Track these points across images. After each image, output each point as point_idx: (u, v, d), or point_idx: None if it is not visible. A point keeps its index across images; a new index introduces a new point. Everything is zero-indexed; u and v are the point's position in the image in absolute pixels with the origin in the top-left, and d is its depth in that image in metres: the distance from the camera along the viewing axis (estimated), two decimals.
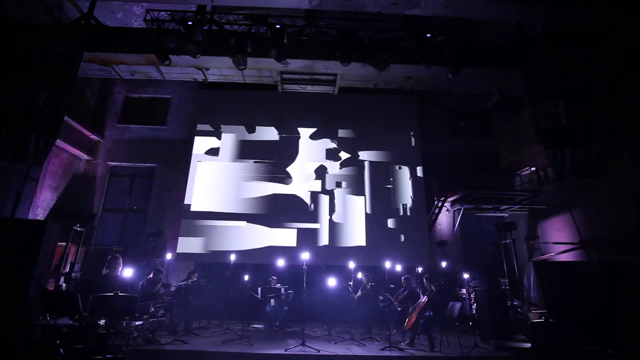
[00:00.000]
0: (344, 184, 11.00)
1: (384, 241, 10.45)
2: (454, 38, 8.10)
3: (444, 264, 9.84)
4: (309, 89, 10.83)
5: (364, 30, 8.06)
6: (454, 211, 10.74)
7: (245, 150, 11.24)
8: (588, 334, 5.54)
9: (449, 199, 10.47)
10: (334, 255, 10.18)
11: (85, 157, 11.00)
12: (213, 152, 11.18)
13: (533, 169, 9.94)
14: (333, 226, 10.56)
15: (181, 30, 7.30)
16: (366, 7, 7.03)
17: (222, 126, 11.44)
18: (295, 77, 10.17)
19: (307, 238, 10.35)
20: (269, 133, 11.45)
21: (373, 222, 10.68)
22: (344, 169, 11.18)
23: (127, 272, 5.97)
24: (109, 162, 11.38)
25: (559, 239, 8.98)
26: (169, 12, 8.43)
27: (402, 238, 10.53)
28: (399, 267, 9.20)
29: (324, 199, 10.80)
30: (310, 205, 10.57)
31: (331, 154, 11.29)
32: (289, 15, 8.45)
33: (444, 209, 10.72)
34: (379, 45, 7.65)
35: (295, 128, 11.50)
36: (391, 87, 10.10)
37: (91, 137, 11.09)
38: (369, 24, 8.15)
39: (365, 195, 10.93)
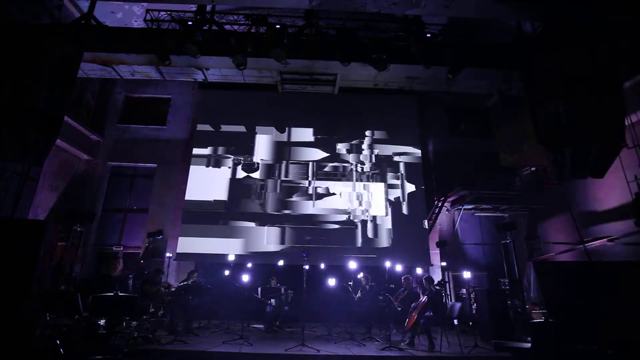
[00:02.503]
0: (342, 183, 11.00)
1: (384, 241, 10.46)
2: (453, 38, 8.10)
3: (443, 264, 9.84)
4: (309, 89, 10.83)
5: (364, 30, 8.05)
6: (454, 211, 10.74)
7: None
8: (588, 334, 5.53)
9: (449, 199, 10.48)
10: (336, 256, 10.20)
11: (85, 157, 11.00)
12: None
13: (533, 169, 9.94)
14: (337, 228, 10.56)
15: (181, 30, 7.30)
16: (366, 7, 7.02)
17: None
18: (295, 77, 10.15)
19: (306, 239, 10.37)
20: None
21: (373, 222, 10.68)
22: (343, 168, 11.18)
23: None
24: (109, 162, 11.38)
25: (559, 239, 8.98)
26: (169, 12, 8.43)
27: (402, 238, 10.53)
28: (399, 267, 9.21)
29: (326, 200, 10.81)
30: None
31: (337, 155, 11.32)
32: (289, 15, 8.46)
33: (444, 209, 10.72)
34: (379, 45, 7.65)
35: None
36: (391, 87, 10.08)
37: (91, 137, 11.09)
38: (369, 24, 8.14)
39: (363, 196, 10.93)
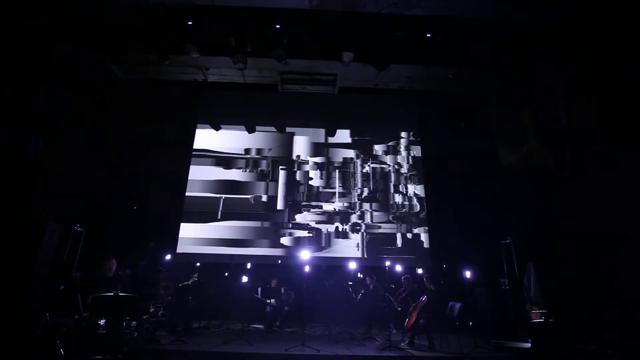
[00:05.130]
0: (345, 182, 11.00)
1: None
2: (454, 38, 8.10)
3: (443, 265, 9.84)
4: (309, 89, 10.84)
5: (364, 30, 8.06)
6: None
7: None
8: (588, 334, 5.53)
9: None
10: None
11: None
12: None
13: None
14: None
15: (181, 30, 7.31)
16: (366, 7, 7.03)
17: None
18: (295, 77, 10.17)
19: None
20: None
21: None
22: (343, 168, 11.19)
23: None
24: None
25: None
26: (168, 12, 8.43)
27: (402, 238, 10.54)
28: (399, 267, 9.21)
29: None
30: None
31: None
32: (289, 15, 8.45)
33: None
34: (379, 45, 7.66)
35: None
36: (391, 87, 10.10)
37: None
38: (369, 24, 8.15)
39: (364, 196, 10.93)
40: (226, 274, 9.02)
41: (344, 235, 10.41)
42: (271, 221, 10.46)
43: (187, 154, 11.16)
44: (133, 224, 9.69)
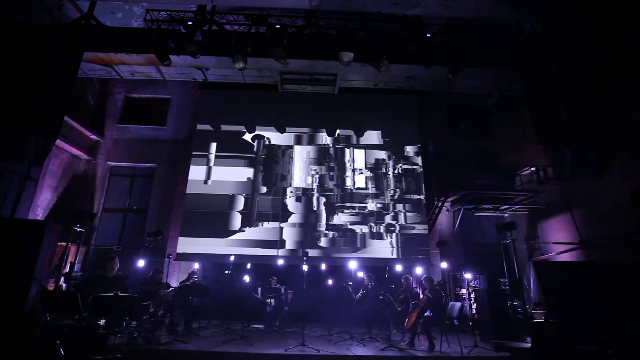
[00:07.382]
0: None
1: (384, 241, 10.47)
2: (453, 38, 8.11)
3: (444, 264, 9.84)
4: (309, 89, 10.84)
5: (364, 30, 8.06)
6: (454, 211, 10.73)
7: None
8: (588, 334, 5.53)
9: (449, 199, 10.47)
10: (337, 259, 10.23)
11: (85, 157, 11.00)
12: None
13: (533, 169, 9.94)
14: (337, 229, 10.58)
15: (181, 30, 7.31)
16: (366, 7, 7.03)
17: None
18: (295, 77, 10.17)
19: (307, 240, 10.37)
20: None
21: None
22: (343, 169, 11.18)
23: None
24: (109, 162, 11.38)
25: (559, 239, 8.98)
26: (169, 12, 8.44)
27: (403, 238, 10.54)
28: (399, 267, 9.22)
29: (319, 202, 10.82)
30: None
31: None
32: (289, 15, 8.46)
33: (444, 209, 10.72)
34: (379, 45, 7.66)
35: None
36: (391, 87, 10.10)
37: (91, 137, 11.09)
38: (369, 24, 8.15)
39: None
40: (227, 272, 9.02)
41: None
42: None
43: (188, 157, 11.17)
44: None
